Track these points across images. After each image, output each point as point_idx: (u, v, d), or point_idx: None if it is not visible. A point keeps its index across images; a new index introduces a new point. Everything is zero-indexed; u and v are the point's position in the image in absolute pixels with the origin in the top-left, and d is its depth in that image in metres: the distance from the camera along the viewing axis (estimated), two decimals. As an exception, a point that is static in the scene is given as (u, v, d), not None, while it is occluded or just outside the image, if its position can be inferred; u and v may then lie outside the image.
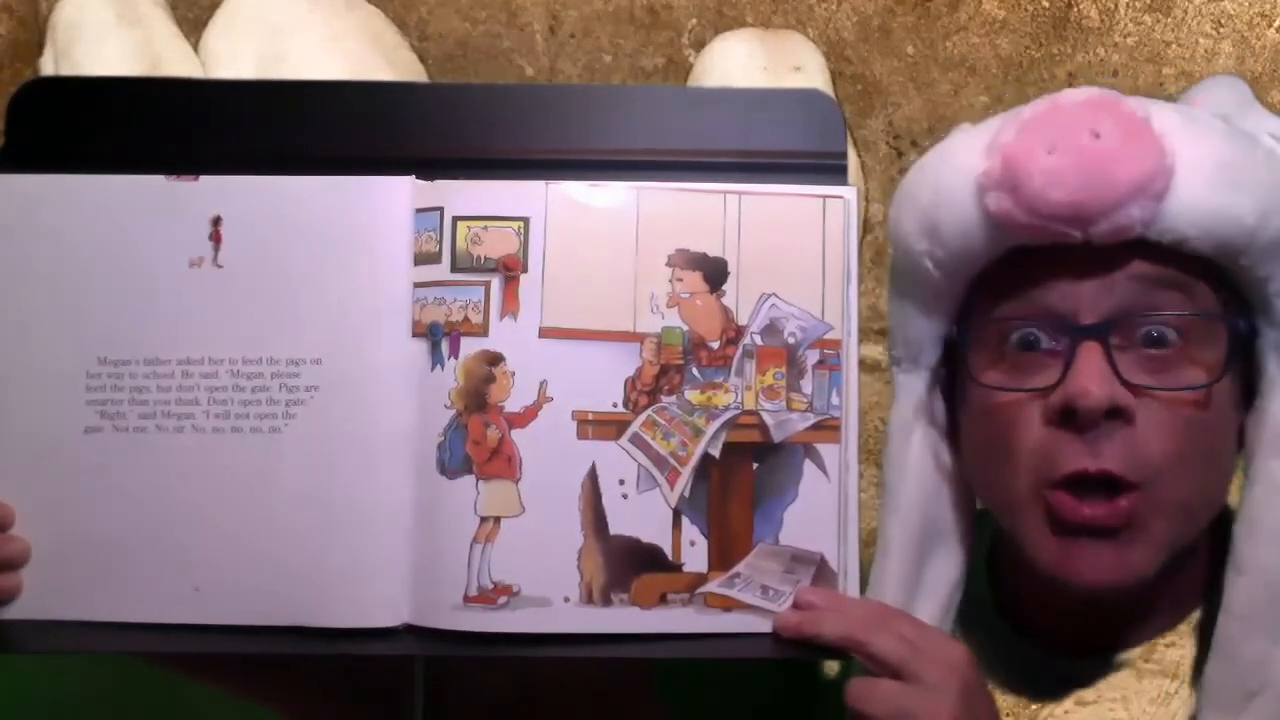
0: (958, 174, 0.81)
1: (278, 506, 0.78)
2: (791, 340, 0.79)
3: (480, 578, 0.77)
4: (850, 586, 0.78)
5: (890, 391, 0.89)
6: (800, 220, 0.80)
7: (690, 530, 0.78)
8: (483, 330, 0.79)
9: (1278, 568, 0.78)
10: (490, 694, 0.90)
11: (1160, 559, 0.78)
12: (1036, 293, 0.79)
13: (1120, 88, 0.82)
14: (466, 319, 0.79)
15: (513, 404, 0.78)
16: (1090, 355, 0.77)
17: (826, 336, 0.80)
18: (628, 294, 0.79)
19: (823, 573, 0.78)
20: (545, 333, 0.79)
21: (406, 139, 0.82)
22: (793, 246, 0.80)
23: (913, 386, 0.87)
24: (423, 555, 0.77)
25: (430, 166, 0.81)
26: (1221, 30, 1.22)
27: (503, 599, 0.77)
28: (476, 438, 0.78)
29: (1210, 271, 0.79)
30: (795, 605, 0.77)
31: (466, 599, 0.77)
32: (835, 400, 0.79)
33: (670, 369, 0.79)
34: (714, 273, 0.80)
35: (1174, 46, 1.22)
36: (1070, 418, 0.77)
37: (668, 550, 0.78)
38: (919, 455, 0.86)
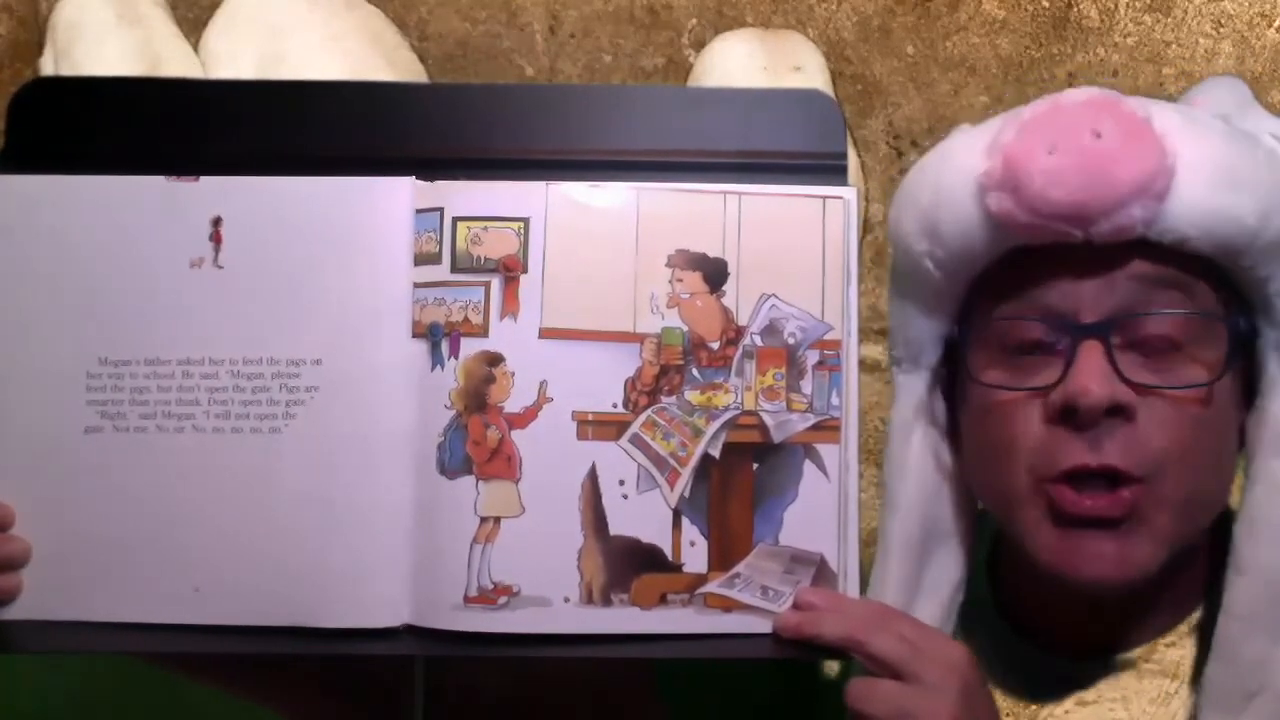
0: (958, 174, 0.81)
1: (278, 506, 0.78)
2: (791, 340, 0.79)
3: (480, 578, 0.77)
4: (850, 587, 0.78)
5: (890, 391, 0.89)
6: (800, 220, 0.80)
7: (690, 530, 0.78)
8: (483, 331, 0.79)
9: (1278, 568, 0.78)
10: (490, 694, 0.90)
11: (1161, 556, 0.78)
12: (1037, 292, 0.79)
13: (1120, 88, 0.82)
14: (466, 319, 0.79)
15: (513, 404, 0.78)
16: (1091, 354, 0.77)
17: (826, 337, 0.80)
18: (628, 294, 0.79)
19: (823, 573, 0.78)
20: (545, 333, 0.79)
21: (406, 139, 0.82)
22: (793, 247, 0.80)
23: (913, 387, 0.87)
24: (423, 555, 0.77)
25: (430, 167, 0.81)
26: (1221, 30, 1.22)
27: (503, 599, 0.77)
28: (476, 438, 0.78)
29: (1210, 271, 0.79)
30: (795, 605, 0.77)
31: (466, 599, 0.77)
32: (835, 400, 0.79)
33: (670, 369, 0.79)
34: (714, 273, 0.80)
35: (1174, 46, 1.22)
36: (1071, 416, 0.77)
37: (668, 550, 0.78)
38: (919, 455, 0.86)
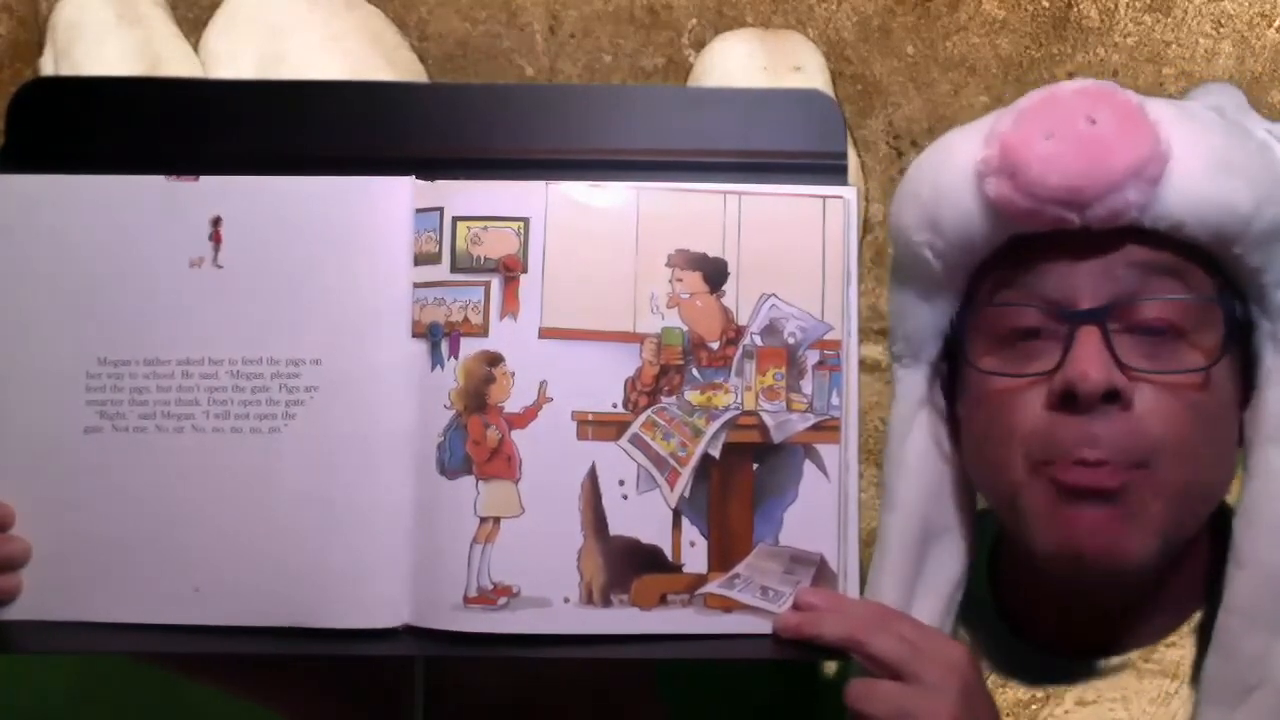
0: (957, 164, 0.82)
1: (278, 507, 0.78)
2: (791, 340, 0.80)
3: (480, 578, 0.77)
4: (850, 587, 0.78)
5: (890, 392, 0.89)
6: (800, 220, 0.80)
7: (690, 531, 0.78)
8: (482, 330, 0.79)
9: (1277, 562, 0.78)
10: (490, 694, 0.90)
11: (1156, 543, 0.78)
12: (1035, 280, 0.80)
13: (1120, 87, 0.82)
14: (466, 319, 0.79)
15: (512, 404, 0.78)
16: (1088, 339, 0.77)
17: (826, 337, 0.80)
18: (627, 294, 0.79)
19: (822, 573, 0.78)
20: (545, 333, 0.79)
21: (406, 139, 0.82)
22: (793, 246, 0.80)
23: (913, 382, 0.87)
24: (422, 556, 0.78)
25: (430, 166, 0.81)
26: (1221, 30, 1.22)
27: (502, 599, 0.77)
28: (476, 438, 0.78)
29: (1205, 260, 0.80)
30: (795, 606, 0.77)
31: (466, 599, 0.77)
32: (835, 400, 0.79)
33: (670, 369, 0.79)
34: (714, 273, 0.80)
35: (1174, 46, 1.22)
36: (1069, 401, 0.77)
37: (667, 551, 0.78)
38: (920, 451, 0.86)
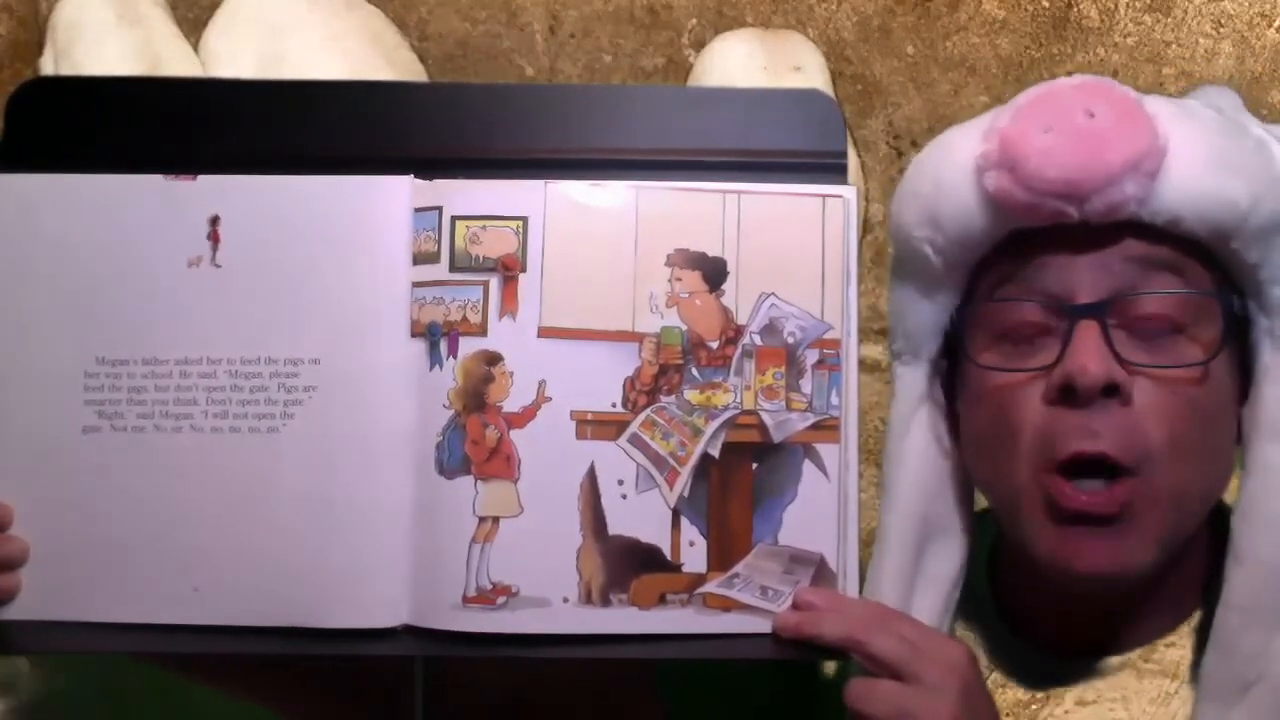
0: (957, 160, 0.82)
1: (277, 506, 0.78)
2: (791, 340, 0.79)
3: (479, 578, 0.77)
4: (850, 587, 0.78)
5: (890, 390, 0.89)
6: (800, 220, 0.80)
7: (689, 530, 0.78)
8: (481, 330, 0.79)
9: (1276, 559, 0.78)
10: (490, 694, 0.90)
11: (1157, 550, 0.79)
12: (1034, 275, 0.80)
13: (1120, 86, 0.83)
14: (465, 318, 0.79)
15: (511, 404, 0.78)
16: (1087, 334, 0.77)
17: (826, 336, 0.80)
18: (627, 294, 0.79)
19: (822, 573, 0.78)
20: (544, 332, 0.79)
21: (406, 139, 0.82)
22: (792, 246, 0.80)
23: (913, 379, 0.87)
24: (422, 555, 0.77)
25: (429, 166, 0.81)
26: (1221, 30, 1.22)
27: (502, 599, 0.77)
28: (475, 438, 0.78)
29: (1203, 255, 0.80)
30: (795, 605, 0.77)
31: (465, 599, 0.77)
32: (835, 400, 0.79)
33: (669, 369, 0.79)
34: (713, 272, 0.80)
35: (1174, 46, 1.22)
36: (1069, 395, 0.77)
37: (667, 550, 0.78)
38: (919, 448, 0.86)
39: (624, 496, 0.78)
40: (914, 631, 0.76)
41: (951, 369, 0.87)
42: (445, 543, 0.77)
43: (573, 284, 0.79)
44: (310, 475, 0.78)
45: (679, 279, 0.79)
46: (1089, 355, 0.77)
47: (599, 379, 0.78)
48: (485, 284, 0.79)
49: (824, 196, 0.80)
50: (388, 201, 0.80)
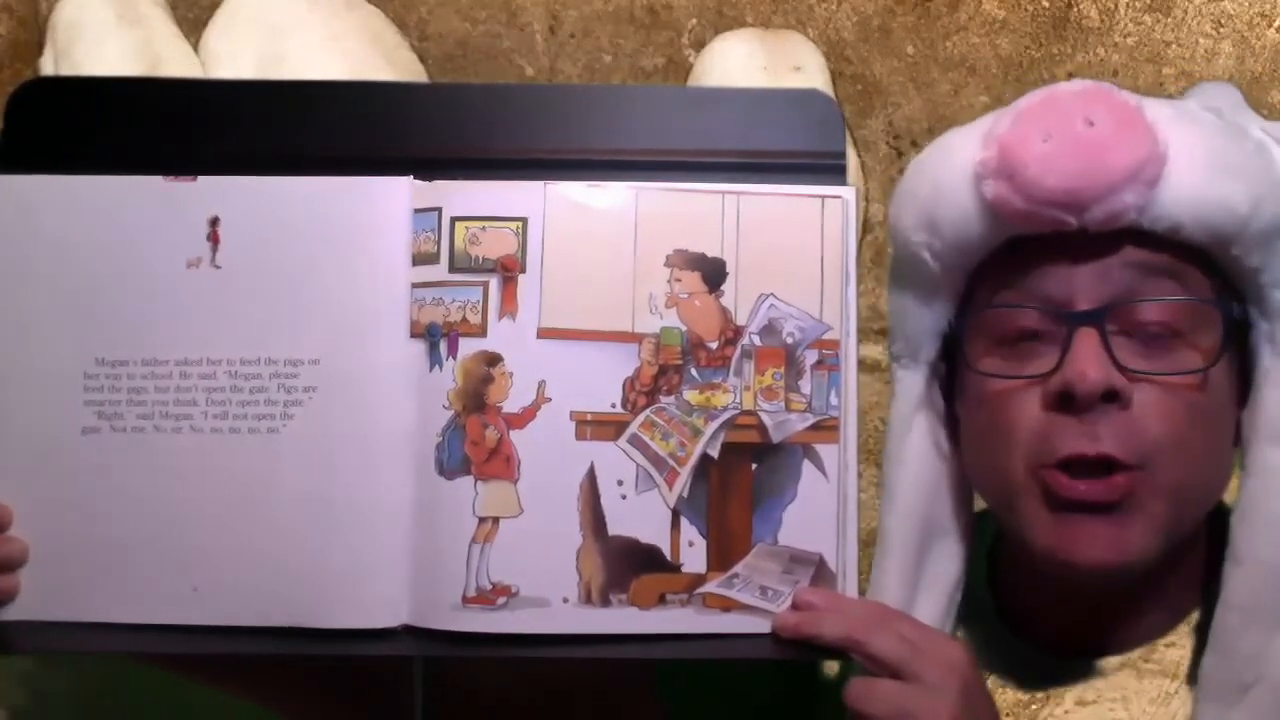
0: (955, 165, 0.82)
1: (276, 507, 0.78)
2: (790, 340, 0.79)
3: (479, 578, 0.77)
4: (849, 587, 0.78)
5: (890, 391, 0.89)
6: (799, 220, 0.80)
7: (689, 531, 0.78)
8: (481, 330, 0.79)
9: (1274, 559, 0.78)
10: (489, 694, 0.90)
11: (1156, 542, 0.79)
12: (1033, 281, 0.80)
13: (1120, 88, 0.82)
14: (465, 319, 0.79)
15: (511, 404, 0.78)
16: (1087, 340, 0.77)
17: (825, 336, 0.80)
18: (626, 294, 0.79)
19: (821, 573, 0.78)
20: (544, 333, 0.79)
21: (405, 139, 0.82)
22: (791, 246, 0.80)
23: (912, 382, 0.87)
24: (421, 556, 0.77)
25: (429, 167, 0.81)
26: (1221, 30, 1.22)
27: (501, 599, 0.77)
28: (475, 438, 0.78)
29: (1203, 261, 0.80)
30: (794, 605, 0.77)
31: (465, 599, 0.77)
32: (834, 400, 0.79)
33: (669, 369, 0.79)
34: (712, 273, 0.80)
35: (1174, 46, 1.22)
36: (1067, 402, 0.77)
37: (666, 551, 0.78)
38: (919, 451, 0.86)
39: (624, 497, 0.78)
40: (914, 631, 0.75)
41: (950, 373, 0.87)
42: (445, 543, 0.77)
43: (572, 285, 0.79)
44: (310, 476, 0.78)
45: (678, 279, 0.79)
46: (1088, 362, 0.77)
47: (598, 379, 0.78)
48: (485, 285, 0.79)
49: (823, 197, 0.80)
50: (387, 202, 0.80)
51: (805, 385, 0.79)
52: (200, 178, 0.81)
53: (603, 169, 0.81)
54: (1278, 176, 0.80)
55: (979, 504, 0.88)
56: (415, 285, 0.79)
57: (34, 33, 1.25)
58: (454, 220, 0.79)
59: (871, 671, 0.74)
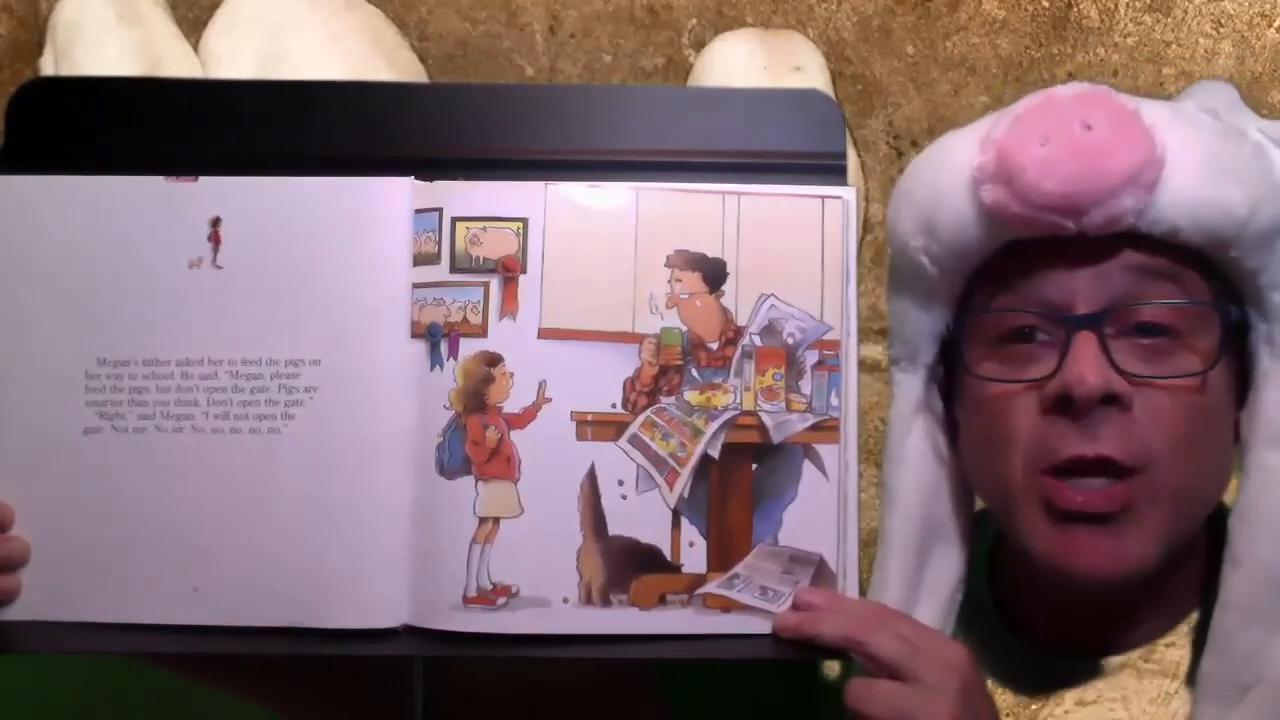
0: (953, 169, 0.82)
1: (277, 507, 0.78)
2: (790, 341, 0.79)
3: (479, 578, 0.77)
4: (850, 587, 0.78)
5: (890, 392, 0.89)
6: (799, 220, 0.80)
7: (689, 531, 0.78)
8: (482, 331, 0.79)
9: (1273, 559, 0.78)
10: (489, 694, 0.90)
11: (1157, 550, 0.79)
12: (1031, 285, 0.80)
13: (1120, 88, 0.83)
14: (465, 319, 0.79)
15: (512, 404, 0.78)
16: (1085, 344, 0.77)
17: (825, 337, 0.80)
18: (627, 295, 0.79)
19: (822, 573, 0.78)
20: (544, 333, 0.79)
21: (406, 139, 0.82)
22: (792, 247, 0.80)
23: (911, 385, 0.87)
24: (422, 556, 0.77)
25: (429, 167, 0.81)
26: (1221, 30, 1.22)
27: (502, 600, 0.77)
28: (475, 438, 0.78)
29: (1201, 263, 0.80)
30: (794, 606, 0.77)
31: (465, 599, 0.77)
32: (834, 401, 0.79)
33: (669, 370, 0.79)
34: (713, 273, 0.80)
35: (1174, 46, 1.22)
36: (1066, 406, 0.77)
37: (667, 551, 0.78)
38: (918, 454, 0.86)
39: (624, 497, 0.78)
40: (913, 631, 0.75)
41: (949, 376, 0.87)
42: (445, 543, 0.77)
43: (573, 285, 0.79)
44: (311, 475, 0.78)
45: (679, 280, 0.79)
46: (1087, 366, 0.77)
47: (599, 380, 0.78)
48: (485, 285, 0.79)
49: (823, 197, 0.80)
50: (388, 203, 0.80)
51: (806, 385, 0.79)
52: (201, 178, 0.81)
53: (603, 169, 0.81)
54: (1276, 179, 0.80)
55: (979, 504, 0.88)
56: (416, 285, 0.79)
57: (34, 33, 1.25)
58: (455, 220, 0.79)
59: (872, 672, 0.75)
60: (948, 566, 0.87)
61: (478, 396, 0.78)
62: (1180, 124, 0.79)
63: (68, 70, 1.13)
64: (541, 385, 0.78)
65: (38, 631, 0.78)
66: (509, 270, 0.79)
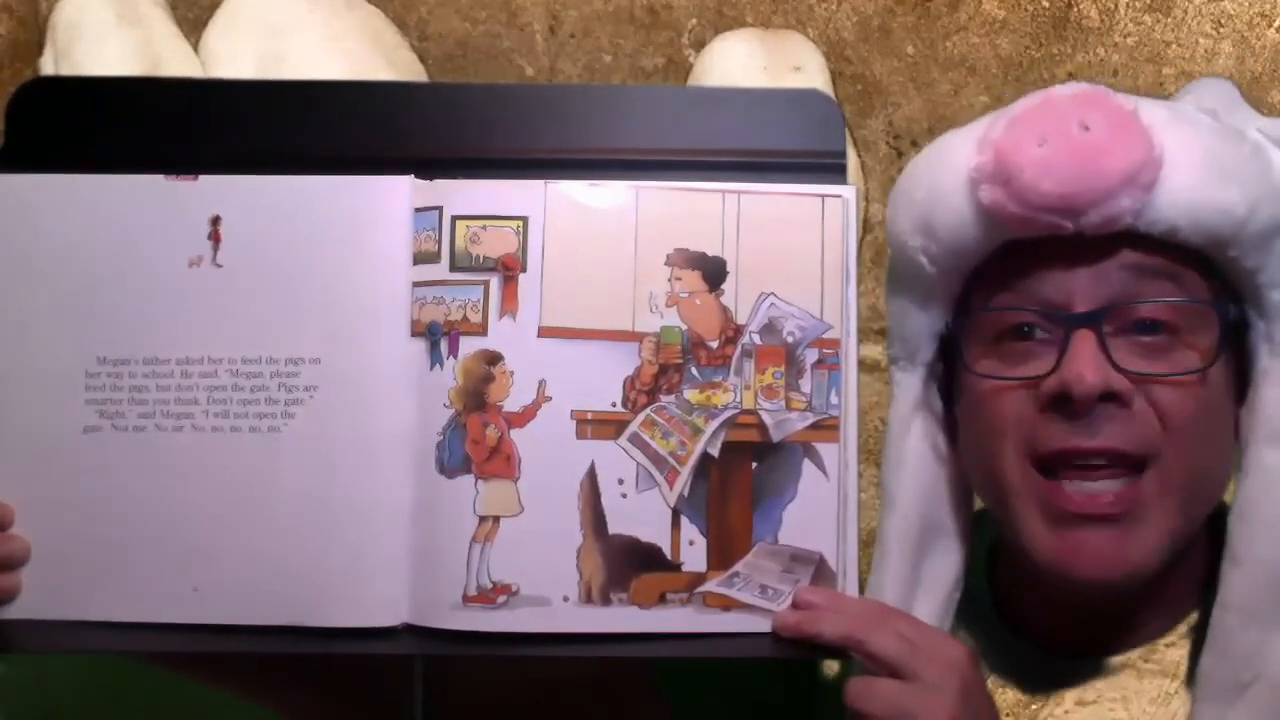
0: (951, 170, 0.82)
1: (277, 506, 0.78)
2: (790, 339, 0.79)
3: (479, 577, 0.77)
4: (849, 586, 0.78)
5: (890, 391, 0.89)
6: (799, 220, 0.80)
7: (689, 529, 0.78)
8: (482, 329, 0.79)
9: (1272, 559, 0.78)
10: (489, 694, 0.90)
11: (1159, 549, 0.79)
12: (1030, 284, 0.80)
13: (1120, 88, 0.83)
14: (465, 318, 0.79)
15: (512, 403, 0.78)
16: (1084, 342, 0.77)
17: (825, 336, 0.80)
18: (627, 293, 0.79)
19: (822, 572, 0.78)
20: (544, 332, 0.79)
21: (406, 139, 0.82)
22: (792, 246, 0.80)
23: (910, 384, 0.87)
24: (422, 555, 0.77)
25: (429, 166, 0.81)
26: (1221, 30, 1.22)
27: (502, 598, 0.77)
28: (475, 437, 0.78)
29: (1200, 262, 0.80)
30: (794, 605, 0.77)
31: (466, 598, 0.77)
32: (834, 400, 0.79)
33: (669, 368, 0.79)
34: (713, 272, 0.80)
35: (1174, 46, 1.22)
36: (1064, 404, 0.77)
37: (667, 550, 0.78)
38: (917, 453, 0.87)
39: (624, 496, 0.78)
40: (913, 630, 0.75)
41: (949, 375, 0.87)
42: (445, 542, 0.77)
43: (573, 284, 0.79)
44: (310, 475, 0.78)
45: (679, 278, 0.79)
46: (1085, 364, 0.77)
47: (599, 378, 0.78)
48: (485, 284, 0.79)
49: (823, 196, 0.80)
50: (388, 201, 0.80)
51: (805, 384, 0.79)
52: (201, 177, 0.81)
53: (603, 168, 0.81)
54: (1274, 179, 0.80)
55: (978, 504, 0.88)
56: (416, 284, 0.79)
57: (34, 33, 1.25)
58: (455, 219, 0.79)
59: (872, 670, 0.75)
60: (946, 566, 0.87)
61: (478, 395, 0.78)
62: (1179, 124, 0.79)
63: (68, 70, 1.13)
64: (541, 384, 0.78)
65: (38, 631, 0.78)
66: (509, 269, 0.79)
